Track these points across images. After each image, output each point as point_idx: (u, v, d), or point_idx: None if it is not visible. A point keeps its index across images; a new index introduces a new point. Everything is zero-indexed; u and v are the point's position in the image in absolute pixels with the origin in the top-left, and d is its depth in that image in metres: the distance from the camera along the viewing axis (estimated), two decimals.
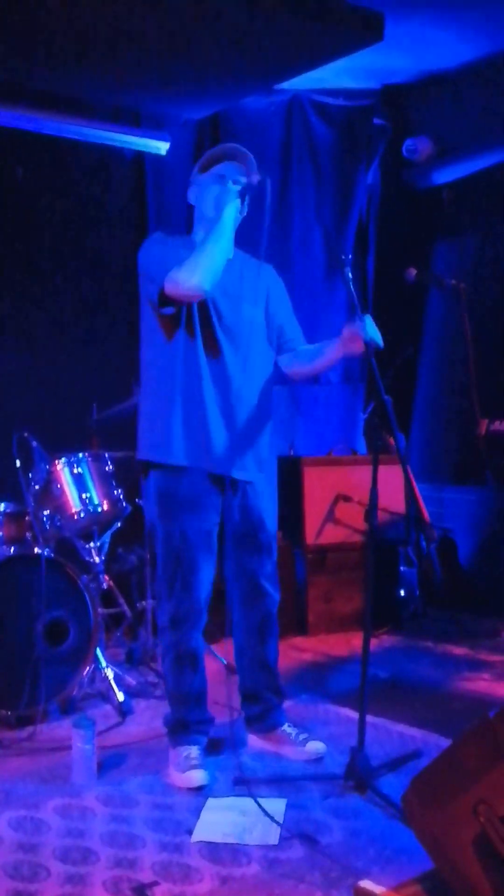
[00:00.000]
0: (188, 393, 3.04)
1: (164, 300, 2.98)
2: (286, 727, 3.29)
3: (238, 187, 3.04)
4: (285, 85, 5.34)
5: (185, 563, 3.05)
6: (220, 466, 3.06)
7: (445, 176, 5.89)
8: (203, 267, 2.90)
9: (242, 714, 3.37)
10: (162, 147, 5.29)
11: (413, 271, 4.46)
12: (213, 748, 3.21)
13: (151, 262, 3.04)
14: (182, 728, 3.14)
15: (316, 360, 3.19)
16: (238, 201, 3.02)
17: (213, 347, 3.05)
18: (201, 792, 2.93)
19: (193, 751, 3.09)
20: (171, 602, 3.09)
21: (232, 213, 3.00)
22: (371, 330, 2.97)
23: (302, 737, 3.24)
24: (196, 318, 3.04)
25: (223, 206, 3.00)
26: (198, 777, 2.97)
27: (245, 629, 3.26)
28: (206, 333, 3.05)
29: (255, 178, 3.00)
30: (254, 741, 3.33)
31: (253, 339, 3.12)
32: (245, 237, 3.18)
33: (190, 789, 2.95)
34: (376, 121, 5.96)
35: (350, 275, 3.01)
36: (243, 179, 3.05)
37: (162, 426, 3.06)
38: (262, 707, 3.30)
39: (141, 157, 5.35)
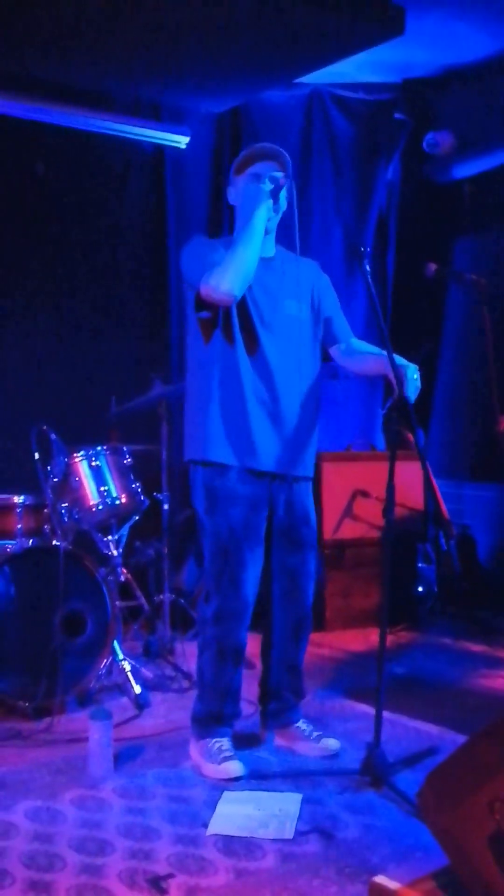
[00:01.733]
0: (229, 392, 3.06)
1: (200, 304, 3.01)
2: (301, 723, 3.29)
3: (270, 186, 3.05)
4: (305, 79, 5.32)
5: (232, 558, 3.06)
6: (264, 464, 3.08)
7: (466, 170, 5.86)
8: (232, 272, 2.92)
9: (258, 709, 3.37)
10: (182, 140, 5.29)
11: (433, 266, 4.43)
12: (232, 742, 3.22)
13: (188, 266, 3.06)
14: (215, 720, 3.13)
15: (364, 363, 3.23)
16: (270, 201, 3.03)
17: (253, 346, 3.07)
18: (213, 783, 2.94)
19: (225, 742, 3.10)
20: (217, 597, 3.08)
21: (263, 214, 3.02)
22: (413, 383, 2.99)
23: (316, 734, 3.25)
24: (234, 319, 3.06)
25: (255, 208, 3.01)
26: (235, 768, 2.98)
27: (281, 626, 3.26)
28: (245, 332, 3.07)
29: (282, 177, 3.03)
30: (267, 736, 3.33)
31: (295, 335, 3.14)
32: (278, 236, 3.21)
33: (226, 780, 2.95)
34: (397, 115, 5.93)
35: (368, 268, 3.00)
36: (278, 176, 3.07)
37: (205, 426, 3.09)
38: (279, 705, 3.31)
39: (161, 150, 5.35)
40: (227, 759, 3.02)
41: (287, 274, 3.15)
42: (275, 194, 3.05)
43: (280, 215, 3.14)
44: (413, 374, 2.99)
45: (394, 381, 2.96)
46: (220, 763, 3.01)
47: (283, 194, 3.09)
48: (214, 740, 3.09)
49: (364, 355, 3.25)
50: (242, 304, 3.06)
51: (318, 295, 3.24)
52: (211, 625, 3.11)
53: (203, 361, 3.11)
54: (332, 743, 3.20)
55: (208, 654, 3.13)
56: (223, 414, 3.07)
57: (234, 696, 3.17)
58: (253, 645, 3.37)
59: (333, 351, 3.28)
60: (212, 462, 3.07)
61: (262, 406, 3.08)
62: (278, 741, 3.29)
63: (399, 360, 2.99)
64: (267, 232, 3.10)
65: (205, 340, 3.09)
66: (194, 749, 3.13)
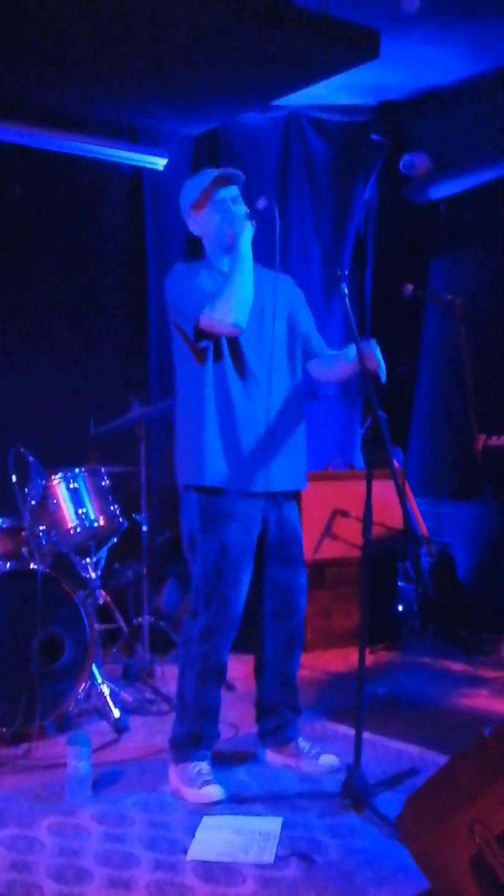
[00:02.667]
0: (220, 415, 3.09)
1: (200, 335, 3.04)
2: (300, 741, 3.29)
3: (240, 209, 3.09)
4: (282, 101, 5.35)
5: (225, 577, 3.07)
6: (257, 485, 3.11)
7: (442, 191, 5.90)
8: (235, 305, 2.98)
9: (256, 728, 3.36)
10: (159, 163, 5.30)
11: (410, 287, 4.47)
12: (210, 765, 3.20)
13: (181, 298, 3.09)
14: (194, 742, 3.12)
15: (336, 365, 3.23)
16: (250, 225, 3.05)
17: (240, 367, 3.10)
18: (192, 808, 2.92)
19: (204, 766, 3.08)
20: (206, 615, 3.09)
21: (248, 239, 3.04)
22: (381, 363, 3.04)
23: (315, 751, 3.25)
24: (223, 343, 3.09)
25: (238, 237, 3.04)
26: (215, 792, 2.97)
27: (273, 643, 3.28)
28: (233, 355, 3.10)
29: (263, 202, 3.04)
30: (266, 755, 3.32)
31: (277, 353, 3.17)
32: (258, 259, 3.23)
33: (206, 805, 2.93)
34: (373, 137, 5.98)
35: (346, 290, 3.03)
36: (238, 198, 3.12)
37: (198, 450, 3.10)
38: (277, 722, 3.31)
39: (138, 172, 5.36)
40: (206, 783, 3.00)
41: (265, 292, 3.17)
42: (252, 217, 3.05)
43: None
44: (377, 351, 3.03)
45: (364, 366, 2.99)
46: (200, 787, 2.98)
47: (241, 206, 3.12)
48: (193, 764, 3.07)
49: (334, 354, 3.26)
50: (235, 348, 3.10)
51: (294, 311, 3.27)
52: (196, 643, 3.10)
53: (195, 384, 3.12)
54: (331, 759, 3.21)
55: (191, 674, 3.12)
56: (217, 438, 3.09)
57: (214, 717, 3.16)
58: (236, 667, 3.36)
59: (310, 367, 3.30)
60: (208, 487, 3.09)
61: (255, 428, 3.10)
62: (277, 759, 3.28)
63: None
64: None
65: (199, 364, 3.11)
66: (173, 773, 3.11)
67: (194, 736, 3.12)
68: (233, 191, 3.15)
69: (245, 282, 3.00)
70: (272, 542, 3.20)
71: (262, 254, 3.19)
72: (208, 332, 3.01)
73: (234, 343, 3.09)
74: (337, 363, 3.23)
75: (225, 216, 3.11)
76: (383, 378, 3.03)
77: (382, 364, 3.05)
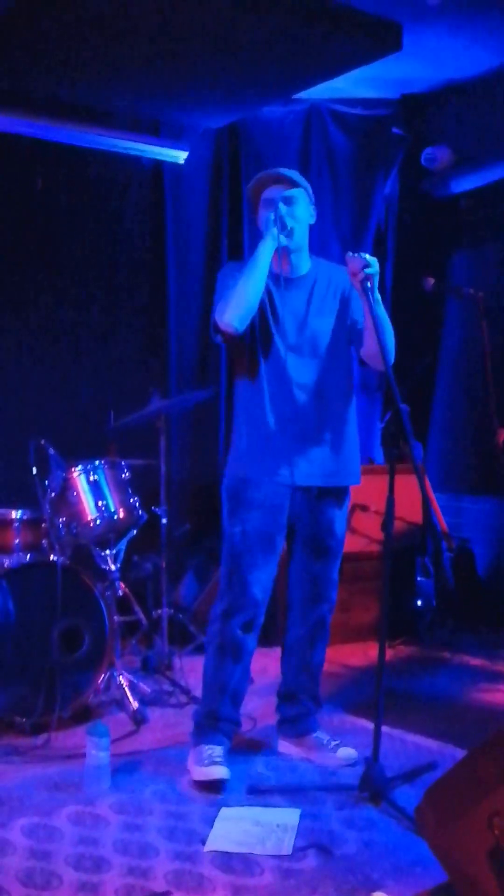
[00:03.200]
0: (255, 413, 3.16)
1: (216, 331, 3.13)
2: (319, 733, 3.31)
3: (271, 216, 3.08)
4: (303, 94, 5.34)
5: (243, 560, 3.13)
6: (287, 479, 3.14)
7: (464, 185, 5.87)
8: (233, 306, 3.02)
9: (277, 716, 3.39)
10: (181, 156, 5.31)
11: (431, 281, 4.45)
12: (228, 756, 3.20)
13: (216, 293, 3.16)
14: (211, 721, 3.15)
15: (369, 337, 3.15)
16: (275, 230, 3.05)
17: (278, 369, 3.14)
18: (219, 791, 2.94)
19: (217, 749, 3.10)
20: (227, 596, 3.17)
21: (268, 245, 3.05)
22: (363, 261, 2.95)
23: (334, 743, 3.26)
24: (258, 345, 3.15)
25: (263, 239, 3.06)
26: (219, 771, 2.99)
27: (298, 630, 3.32)
28: (270, 357, 3.14)
29: (280, 201, 3.08)
30: (284, 746, 3.34)
31: (324, 352, 3.17)
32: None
33: (207, 783, 2.96)
34: (395, 130, 5.95)
35: (369, 283, 3.00)
36: (294, 199, 3.13)
37: (237, 443, 3.22)
38: (297, 710, 3.32)
39: (160, 166, 5.36)
40: (214, 763, 3.03)
41: (317, 290, 3.20)
42: (278, 220, 3.05)
43: (305, 229, 3.18)
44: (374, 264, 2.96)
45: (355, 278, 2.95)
46: (205, 766, 3.02)
47: (296, 210, 3.12)
48: (208, 747, 3.10)
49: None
50: (266, 330, 3.14)
51: (346, 300, 3.23)
52: (218, 621, 3.17)
53: (240, 387, 3.24)
54: (350, 752, 3.22)
55: (210, 650, 3.19)
56: (249, 432, 3.18)
57: (233, 697, 3.18)
58: (257, 661, 3.37)
59: (361, 354, 3.26)
60: (235, 474, 3.19)
61: (285, 424, 3.13)
62: (295, 751, 3.30)
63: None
64: (291, 251, 3.14)
65: (235, 361, 3.22)
66: (190, 756, 3.14)
67: (210, 715, 3.16)
68: (285, 192, 3.12)
69: (249, 288, 3.01)
70: (305, 534, 3.25)
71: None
72: (217, 328, 3.09)
73: (269, 346, 3.13)
74: (369, 334, 3.15)
75: (265, 217, 3.12)
76: (374, 269, 2.94)
77: (371, 261, 2.95)
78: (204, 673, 3.25)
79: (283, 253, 3.11)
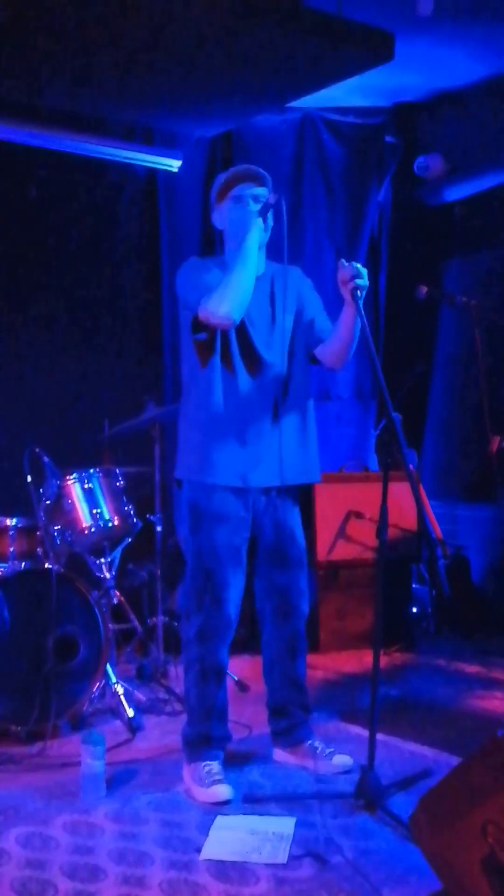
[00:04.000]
0: (230, 413, 3.09)
1: (198, 326, 3.05)
2: (313, 741, 3.29)
3: (257, 207, 3.08)
4: (297, 103, 5.36)
5: (214, 577, 3.09)
6: (256, 481, 3.11)
7: (457, 193, 5.90)
8: (230, 297, 2.96)
9: (269, 728, 3.37)
10: (174, 164, 5.33)
11: (424, 289, 4.46)
12: (223, 764, 3.20)
13: (184, 289, 3.11)
14: (204, 742, 3.13)
15: (337, 329, 3.14)
16: (260, 221, 3.06)
17: (254, 367, 3.11)
18: (206, 808, 2.92)
19: (215, 766, 3.09)
20: (199, 616, 3.11)
21: (255, 236, 3.04)
22: (354, 272, 2.95)
23: (328, 751, 3.24)
24: (233, 341, 3.10)
25: (246, 231, 3.04)
26: (223, 791, 2.97)
27: (276, 645, 3.28)
28: (246, 353, 3.11)
29: (273, 197, 3.04)
30: (279, 755, 3.33)
31: (289, 349, 3.17)
32: (268, 254, 3.23)
33: (215, 804, 2.94)
34: (388, 138, 5.98)
35: (360, 293, 3.02)
36: (262, 197, 3.10)
37: (201, 445, 3.12)
38: (288, 722, 3.31)
39: (153, 174, 5.38)
40: (216, 782, 3.00)
41: (277, 288, 3.19)
42: (263, 213, 3.06)
43: (269, 232, 3.16)
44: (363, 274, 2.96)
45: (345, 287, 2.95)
46: (208, 787, 2.99)
47: (270, 214, 3.11)
48: (204, 763, 3.08)
49: (335, 329, 3.17)
50: (241, 326, 3.09)
51: (302, 300, 3.25)
52: (194, 644, 3.13)
53: (201, 383, 3.13)
54: (345, 759, 3.20)
55: (191, 675, 3.15)
56: (214, 433, 3.09)
57: (220, 716, 3.17)
58: (249, 668, 3.37)
59: (317, 352, 3.25)
60: (201, 481, 3.10)
61: (256, 423, 3.10)
62: (290, 759, 3.29)
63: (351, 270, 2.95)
64: (259, 248, 3.12)
65: (201, 363, 3.12)
66: (186, 772, 3.13)
67: (203, 736, 3.14)
68: (255, 189, 3.13)
69: (244, 277, 2.99)
70: (268, 545, 3.20)
71: (272, 248, 3.20)
72: (204, 322, 3.01)
73: (246, 342, 3.10)
74: (337, 329, 3.14)
75: (239, 213, 3.11)
76: (364, 282, 2.95)
77: (362, 272, 2.95)
78: (186, 696, 3.21)
79: None
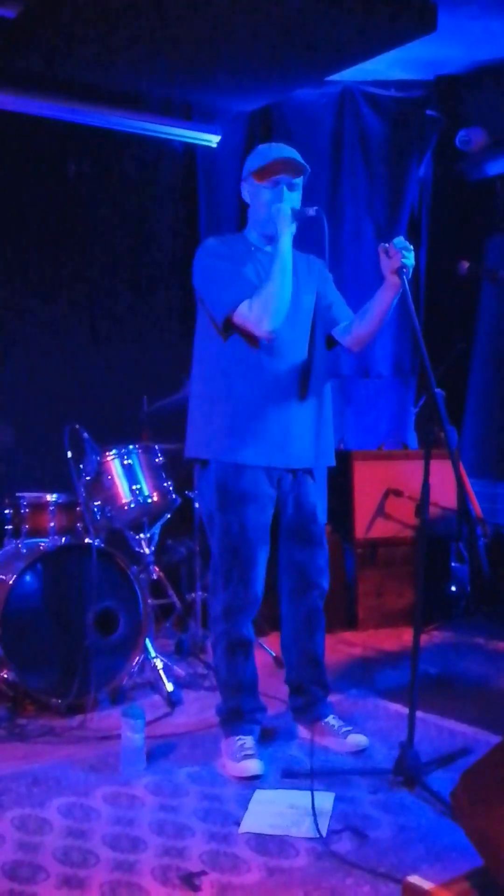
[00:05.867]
0: (248, 391, 3.08)
1: (229, 327, 3.05)
2: (330, 719, 3.30)
3: (289, 207, 3.05)
4: (336, 77, 5.30)
5: (242, 555, 3.09)
6: (279, 460, 3.10)
7: (499, 167, 5.80)
8: (273, 311, 2.96)
9: (289, 705, 3.39)
10: (213, 140, 5.30)
11: (465, 264, 4.38)
12: (262, 739, 3.22)
13: (211, 284, 3.09)
14: (237, 717, 3.16)
15: (371, 310, 3.11)
16: (294, 226, 3.05)
17: (273, 345, 3.08)
18: (255, 782, 2.94)
19: (248, 740, 3.11)
20: (226, 593, 3.12)
21: (289, 239, 3.03)
22: (403, 247, 2.91)
23: (345, 729, 3.25)
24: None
25: (280, 235, 3.02)
26: (253, 766, 2.99)
27: (293, 622, 3.29)
28: (266, 348, 3.09)
29: (313, 210, 3.03)
30: (299, 731, 3.34)
31: (310, 330, 3.17)
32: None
33: (244, 778, 2.96)
34: (429, 112, 5.89)
35: (405, 268, 2.98)
36: (296, 186, 3.11)
37: (221, 424, 3.10)
38: (306, 699, 3.32)
39: (192, 149, 5.36)
40: (246, 756, 3.02)
41: (300, 270, 3.17)
42: (297, 217, 3.05)
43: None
44: (399, 240, 2.93)
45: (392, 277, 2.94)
46: (239, 761, 3.02)
47: (299, 195, 3.11)
48: (238, 738, 3.11)
49: (363, 310, 3.15)
50: None
51: (322, 287, 3.25)
52: (221, 621, 3.15)
53: (219, 358, 3.12)
54: (360, 739, 3.21)
55: (220, 651, 3.18)
56: (241, 413, 3.08)
57: (251, 690, 3.19)
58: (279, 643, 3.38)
59: (335, 332, 3.23)
60: (231, 462, 3.09)
61: (282, 404, 3.09)
62: (307, 736, 3.29)
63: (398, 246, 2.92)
64: None
65: (223, 340, 3.10)
66: (223, 746, 3.16)
67: (234, 711, 3.17)
68: (295, 180, 3.11)
69: (285, 286, 2.98)
70: (289, 522, 3.21)
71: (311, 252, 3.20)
72: (241, 328, 3.02)
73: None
74: (369, 310, 3.11)
75: (275, 202, 3.08)
76: (411, 260, 2.92)
77: (409, 248, 2.92)
78: (216, 673, 3.25)
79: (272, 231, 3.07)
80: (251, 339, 3.07)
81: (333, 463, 3.28)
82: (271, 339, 3.02)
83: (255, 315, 2.96)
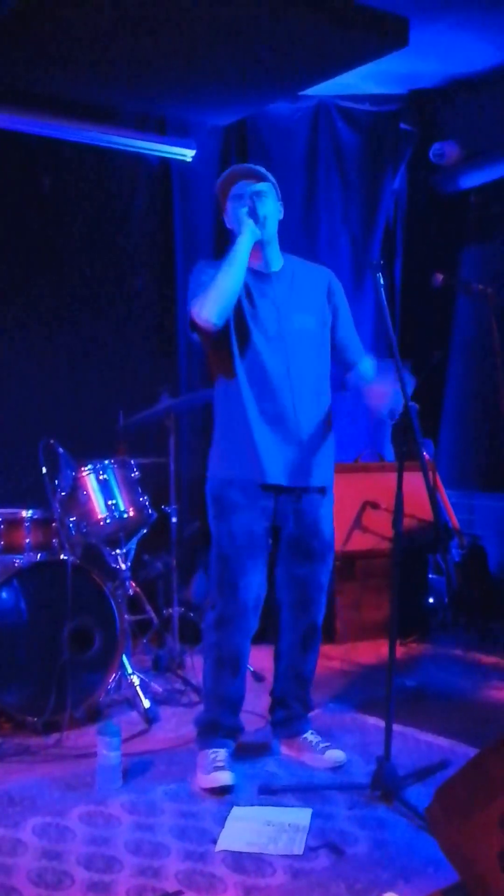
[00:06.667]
0: (234, 410, 3.11)
1: (193, 327, 3.08)
2: (309, 734, 3.28)
3: (246, 208, 3.04)
4: (311, 91, 5.32)
5: (231, 564, 3.09)
6: (270, 477, 3.09)
7: (473, 180, 5.85)
8: (211, 301, 2.97)
9: (269, 718, 3.38)
10: (188, 154, 5.30)
11: (440, 276, 4.42)
12: (239, 755, 3.20)
13: (188, 290, 3.13)
14: (213, 730, 3.15)
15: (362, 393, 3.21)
16: (251, 222, 3.03)
17: (255, 363, 3.09)
18: (222, 798, 2.92)
19: (221, 753, 3.10)
20: (219, 603, 3.13)
21: (246, 238, 3.02)
22: (395, 399, 2.98)
23: (322, 745, 3.23)
24: (233, 339, 3.09)
25: (238, 235, 3.04)
26: (223, 777, 2.97)
27: (290, 636, 3.28)
28: (247, 350, 3.09)
29: (255, 191, 3.05)
30: (276, 747, 3.32)
31: (306, 348, 3.14)
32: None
33: (214, 790, 2.94)
34: (403, 126, 5.93)
35: (382, 280, 2.99)
36: (263, 194, 3.09)
37: (216, 442, 3.19)
38: (286, 714, 3.32)
39: (167, 164, 5.36)
40: (217, 768, 3.01)
41: (296, 285, 3.17)
42: (253, 212, 3.04)
43: (275, 223, 3.13)
44: (396, 392, 2.97)
45: (376, 402, 3.06)
46: (209, 773, 3.00)
47: (266, 203, 3.08)
48: (212, 751, 3.09)
49: (362, 383, 3.23)
50: (241, 323, 3.08)
51: (333, 308, 3.23)
52: (213, 631, 3.15)
53: (218, 380, 3.18)
54: (338, 755, 3.19)
55: (209, 661, 3.18)
56: (229, 431, 3.13)
57: (233, 707, 3.18)
58: (267, 658, 3.37)
59: (348, 379, 3.29)
60: (219, 476, 3.15)
61: (267, 421, 3.09)
62: (285, 751, 3.29)
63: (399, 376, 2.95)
64: (265, 244, 3.11)
65: (213, 359, 3.16)
66: (197, 759, 3.14)
67: (212, 723, 3.16)
68: (255, 186, 3.10)
69: (227, 282, 2.97)
70: (289, 537, 3.19)
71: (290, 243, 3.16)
72: (194, 324, 3.04)
73: (245, 339, 3.08)
74: (361, 394, 3.21)
75: (235, 212, 3.09)
76: (397, 412, 3.00)
77: (400, 401, 2.96)
78: (203, 681, 3.24)
79: (256, 247, 3.07)
80: (227, 361, 3.09)
81: (326, 483, 3.24)
82: (209, 330, 3.00)
83: (197, 307, 2.98)
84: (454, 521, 5.24)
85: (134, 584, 4.25)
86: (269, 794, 2.95)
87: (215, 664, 3.15)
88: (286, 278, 3.17)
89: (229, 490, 3.11)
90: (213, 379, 3.22)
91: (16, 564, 3.66)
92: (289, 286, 3.15)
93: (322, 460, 3.19)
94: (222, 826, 2.73)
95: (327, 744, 3.24)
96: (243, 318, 3.08)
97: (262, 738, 3.39)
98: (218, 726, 3.15)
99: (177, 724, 3.64)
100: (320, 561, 3.24)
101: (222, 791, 2.95)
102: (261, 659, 3.24)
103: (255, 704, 3.54)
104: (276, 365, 3.09)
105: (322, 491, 3.22)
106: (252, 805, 2.87)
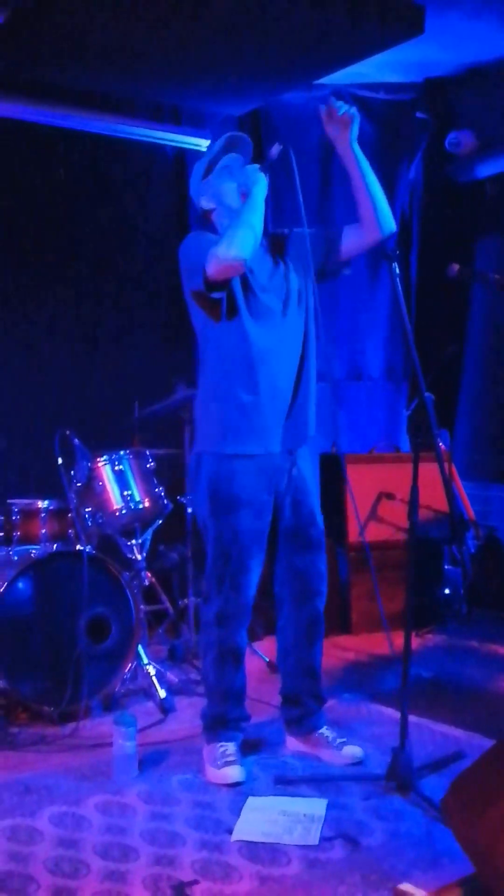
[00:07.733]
0: (240, 378, 3.04)
1: (211, 285, 2.95)
2: (324, 730, 3.25)
3: (258, 165, 3.04)
4: (326, 80, 5.30)
5: (234, 562, 3.07)
6: (273, 444, 3.06)
7: (489, 169, 5.81)
8: (240, 238, 2.89)
9: (281, 717, 3.34)
10: (202, 144, 5.29)
11: (455, 266, 4.38)
12: (253, 746, 3.21)
13: (191, 255, 3.05)
14: (220, 724, 3.14)
15: (355, 191, 3.18)
16: (264, 177, 3.02)
17: (261, 331, 3.04)
18: (238, 788, 2.93)
19: (230, 747, 3.09)
20: (218, 599, 3.10)
21: (262, 190, 3.00)
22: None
23: (339, 741, 3.20)
24: (241, 305, 3.03)
25: (252, 186, 3.01)
26: (234, 773, 2.97)
27: (293, 630, 3.25)
28: (256, 314, 3.05)
29: (275, 150, 3.01)
30: (291, 743, 3.29)
31: (302, 310, 3.13)
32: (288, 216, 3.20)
33: (226, 785, 2.94)
34: (418, 115, 5.90)
35: (398, 269, 2.98)
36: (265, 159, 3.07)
37: (216, 416, 3.08)
38: (300, 711, 3.27)
39: (182, 154, 5.35)
40: (228, 763, 3.00)
41: (289, 249, 3.17)
42: (265, 169, 3.03)
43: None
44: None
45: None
46: (220, 768, 3.00)
47: (268, 177, 3.06)
48: (220, 745, 3.08)
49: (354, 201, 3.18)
50: (247, 290, 3.04)
51: (306, 246, 3.16)
52: (213, 627, 3.12)
53: (215, 351, 3.10)
54: (355, 750, 3.16)
55: (210, 657, 3.15)
56: (238, 402, 3.04)
57: (237, 698, 3.16)
58: (274, 646, 3.37)
59: (344, 238, 3.23)
60: (223, 454, 3.05)
61: (273, 390, 3.05)
62: (302, 748, 3.26)
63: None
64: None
65: (215, 322, 3.05)
66: (204, 753, 3.13)
67: (219, 717, 3.14)
68: (240, 159, 3.13)
69: (253, 218, 2.93)
70: (288, 527, 3.17)
71: (288, 208, 3.16)
72: (215, 274, 2.91)
73: (261, 298, 3.05)
74: (352, 190, 3.16)
75: (234, 175, 3.09)
76: (353, 111, 3.02)
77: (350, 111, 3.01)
78: (204, 677, 3.23)
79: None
80: (231, 307, 3.02)
81: (317, 459, 3.25)
82: (240, 269, 2.93)
83: (223, 247, 2.87)
84: (470, 511, 5.22)
85: (149, 575, 4.26)
86: (285, 784, 2.95)
87: (217, 659, 3.12)
88: (275, 244, 3.18)
89: (230, 483, 3.03)
90: (205, 352, 3.15)
91: (32, 555, 3.67)
92: (282, 250, 3.15)
93: (313, 416, 3.18)
94: (238, 816, 2.73)
95: (343, 739, 3.21)
96: (249, 288, 3.05)
97: (277, 728, 3.39)
98: (225, 719, 3.14)
99: (192, 714, 3.64)
100: (318, 549, 3.22)
101: (233, 787, 2.94)
102: (271, 647, 3.25)
103: (271, 695, 3.54)
104: (286, 331, 3.08)
105: (311, 468, 3.22)
106: (267, 795, 2.88)
